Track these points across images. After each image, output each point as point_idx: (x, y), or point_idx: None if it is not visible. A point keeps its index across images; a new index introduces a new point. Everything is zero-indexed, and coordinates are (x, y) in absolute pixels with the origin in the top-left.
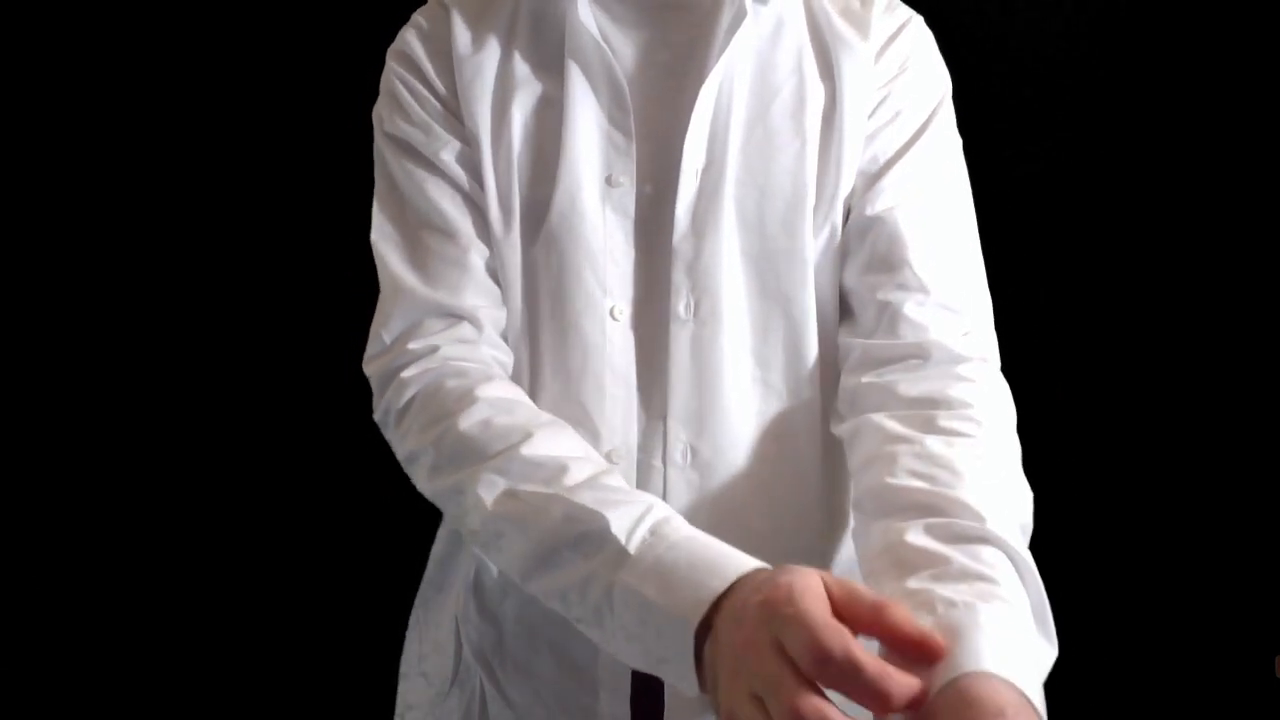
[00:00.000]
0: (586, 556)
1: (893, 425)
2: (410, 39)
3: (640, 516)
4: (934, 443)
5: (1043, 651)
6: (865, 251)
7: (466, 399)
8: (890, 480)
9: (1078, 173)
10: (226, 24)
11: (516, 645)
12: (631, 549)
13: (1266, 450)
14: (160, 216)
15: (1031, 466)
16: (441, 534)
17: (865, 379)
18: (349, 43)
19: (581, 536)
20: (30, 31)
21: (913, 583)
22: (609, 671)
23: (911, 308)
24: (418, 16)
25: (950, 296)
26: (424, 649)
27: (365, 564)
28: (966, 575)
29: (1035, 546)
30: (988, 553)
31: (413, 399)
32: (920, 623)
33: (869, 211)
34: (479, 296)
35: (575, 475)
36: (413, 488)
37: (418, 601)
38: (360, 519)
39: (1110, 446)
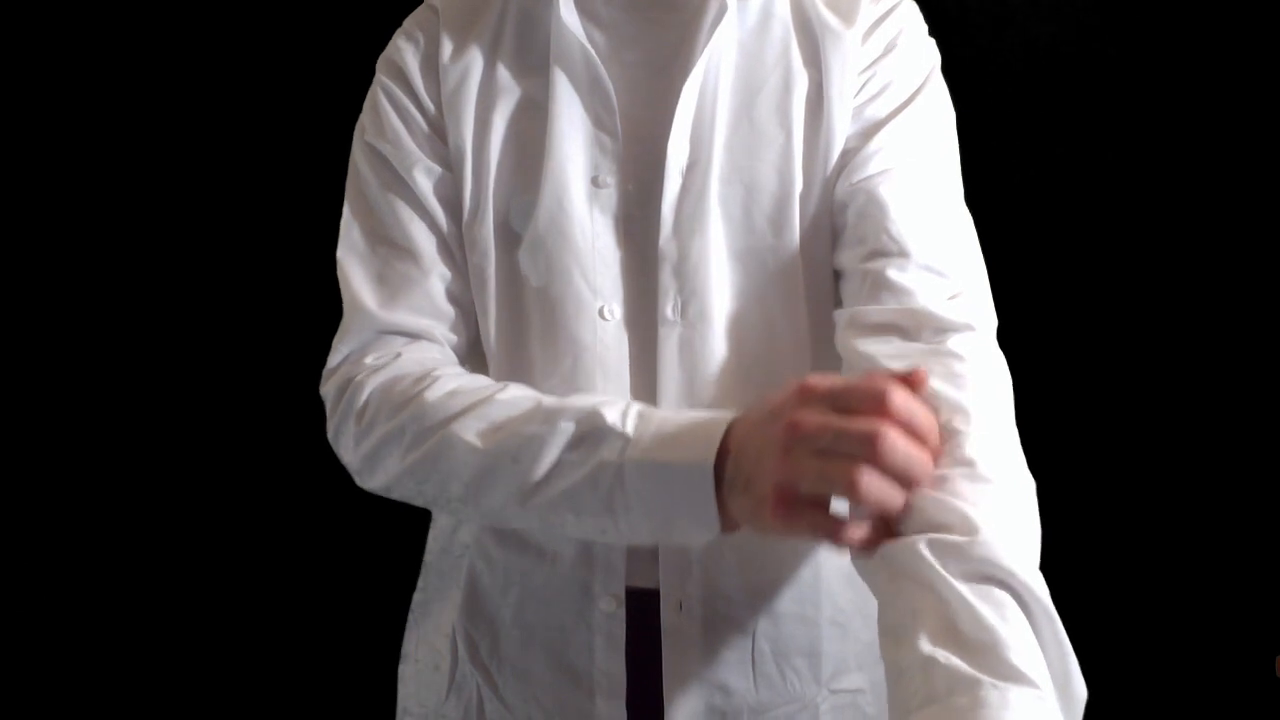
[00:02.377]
0: (589, 451)
1: None
2: (401, 46)
3: (625, 407)
4: (940, 460)
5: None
6: (850, 223)
7: (428, 378)
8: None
9: (1078, 173)
10: (224, 27)
11: (512, 650)
12: (629, 431)
13: (1266, 450)
14: (155, 220)
15: (1031, 467)
16: (435, 538)
17: (853, 344)
18: (345, 45)
19: (581, 437)
20: (30, 31)
21: (925, 647)
22: (605, 674)
23: (894, 272)
24: (409, 24)
25: (933, 259)
26: (421, 654)
27: (364, 565)
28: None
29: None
30: (997, 595)
31: (370, 395)
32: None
33: (852, 181)
34: (436, 319)
35: (552, 399)
36: None
37: (413, 606)
38: (359, 520)
39: (1110, 446)
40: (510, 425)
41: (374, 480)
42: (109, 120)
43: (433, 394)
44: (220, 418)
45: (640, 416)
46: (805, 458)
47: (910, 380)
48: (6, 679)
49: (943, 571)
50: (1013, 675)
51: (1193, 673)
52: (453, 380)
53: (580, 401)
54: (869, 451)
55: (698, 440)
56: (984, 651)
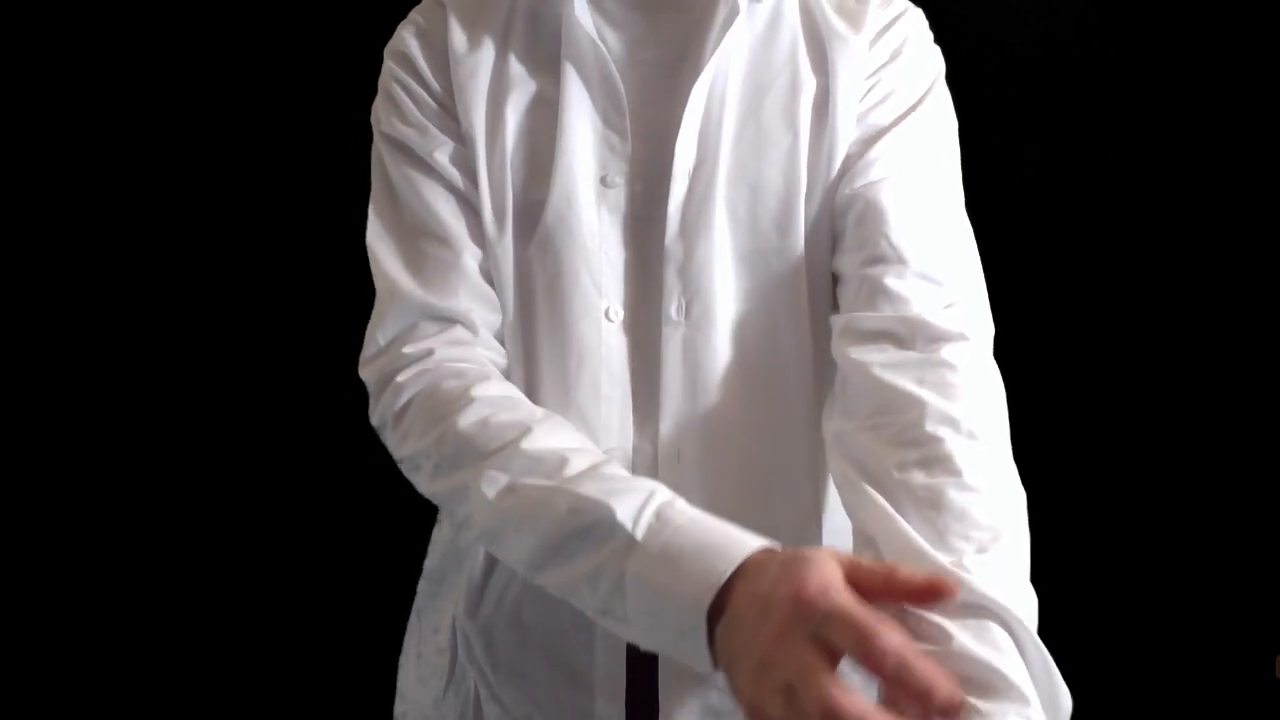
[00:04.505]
0: (595, 547)
1: (867, 451)
2: (407, 37)
3: (644, 503)
4: (916, 475)
5: None
6: (849, 228)
7: (463, 399)
8: (878, 527)
9: (1078, 173)
10: (226, 24)
11: (509, 650)
12: (639, 535)
13: (1266, 450)
14: (160, 217)
15: (1031, 466)
16: (437, 537)
17: (847, 351)
18: (348, 41)
19: (588, 528)
20: (30, 31)
21: None
22: (605, 674)
23: (891, 280)
24: (415, 15)
25: (930, 267)
26: (421, 652)
27: (365, 564)
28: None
29: (1034, 547)
30: (992, 632)
31: (409, 402)
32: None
33: (852, 187)
34: (472, 299)
35: (576, 466)
36: (412, 488)
37: (415, 604)
38: (360, 520)
39: (1110, 446)
40: (525, 491)
41: (412, 480)
42: (119, 118)
43: (464, 421)
44: (221, 419)
45: (657, 517)
46: (772, 689)
47: (931, 589)
48: (6, 679)
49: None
50: (1005, 693)
51: (1193, 673)
52: (485, 406)
53: (600, 485)
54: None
55: (701, 575)
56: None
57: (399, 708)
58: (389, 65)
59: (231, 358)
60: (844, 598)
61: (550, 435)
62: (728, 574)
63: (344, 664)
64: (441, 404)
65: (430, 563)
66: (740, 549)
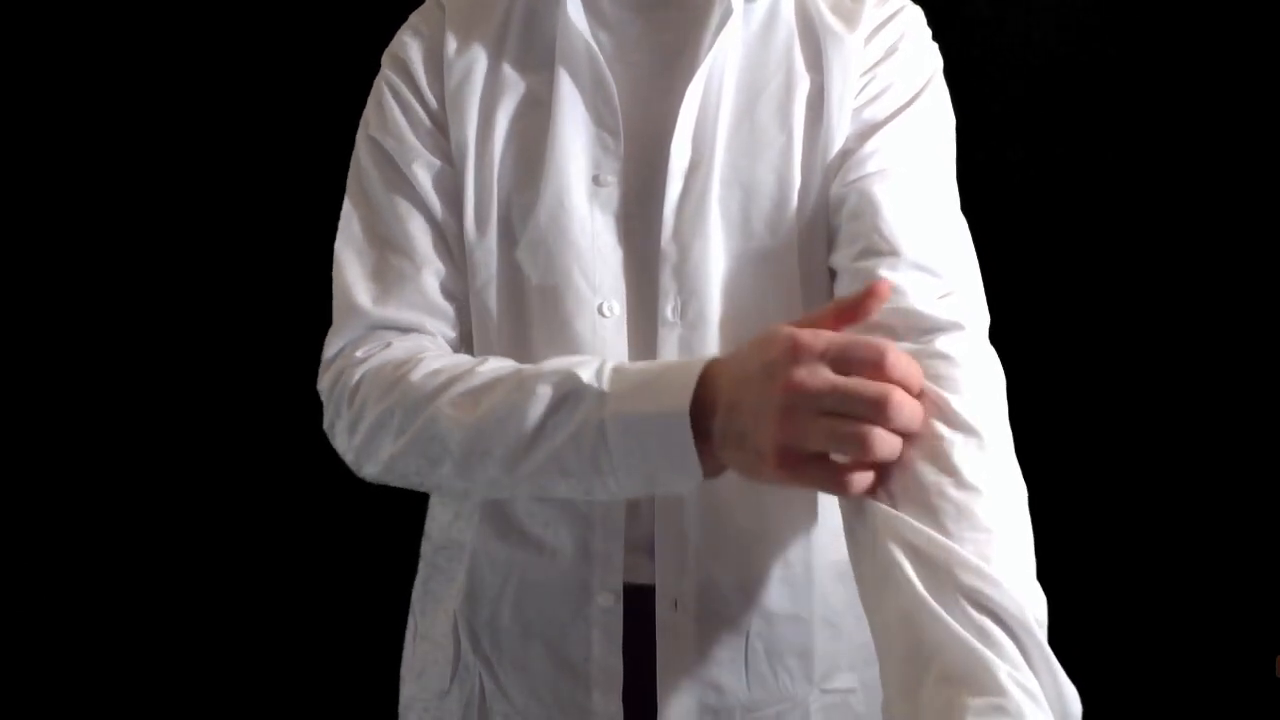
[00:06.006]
0: (571, 413)
1: None
2: (408, 42)
3: (600, 365)
4: (924, 469)
5: None
6: (844, 222)
7: (412, 360)
8: (877, 527)
9: (1078, 173)
10: (226, 23)
11: (512, 642)
12: (605, 388)
13: (1266, 450)
14: (157, 217)
15: (1030, 466)
16: (431, 532)
17: None
18: (348, 41)
19: (561, 399)
20: (30, 31)
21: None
22: (602, 669)
23: (885, 271)
24: (416, 20)
25: (924, 257)
26: (422, 647)
27: (364, 564)
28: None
29: (1034, 546)
30: (995, 632)
31: (361, 379)
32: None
33: (846, 181)
34: (429, 314)
35: (530, 366)
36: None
37: (414, 599)
38: (358, 519)
39: (1109, 446)
40: (491, 396)
41: (371, 466)
42: (114, 116)
43: (416, 375)
44: (218, 417)
45: (615, 372)
46: (810, 419)
47: (872, 293)
48: (6, 679)
49: (939, 609)
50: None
51: (1193, 673)
52: (435, 360)
53: (556, 364)
54: (878, 414)
55: (672, 387)
56: (983, 685)
57: (403, 703)
58: (386, 72)
59: (228, 359)
60: (833, 333)
61: (501, 361)
62: (696, 375)
63: (345, 663)
64: (393, 369)
65: (425, 557)
66: (699, 359)
